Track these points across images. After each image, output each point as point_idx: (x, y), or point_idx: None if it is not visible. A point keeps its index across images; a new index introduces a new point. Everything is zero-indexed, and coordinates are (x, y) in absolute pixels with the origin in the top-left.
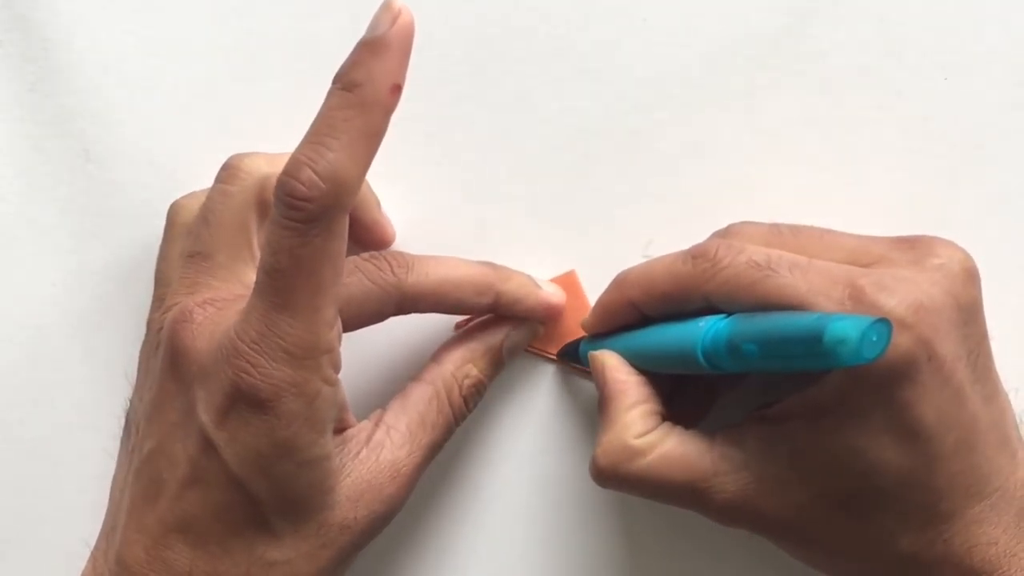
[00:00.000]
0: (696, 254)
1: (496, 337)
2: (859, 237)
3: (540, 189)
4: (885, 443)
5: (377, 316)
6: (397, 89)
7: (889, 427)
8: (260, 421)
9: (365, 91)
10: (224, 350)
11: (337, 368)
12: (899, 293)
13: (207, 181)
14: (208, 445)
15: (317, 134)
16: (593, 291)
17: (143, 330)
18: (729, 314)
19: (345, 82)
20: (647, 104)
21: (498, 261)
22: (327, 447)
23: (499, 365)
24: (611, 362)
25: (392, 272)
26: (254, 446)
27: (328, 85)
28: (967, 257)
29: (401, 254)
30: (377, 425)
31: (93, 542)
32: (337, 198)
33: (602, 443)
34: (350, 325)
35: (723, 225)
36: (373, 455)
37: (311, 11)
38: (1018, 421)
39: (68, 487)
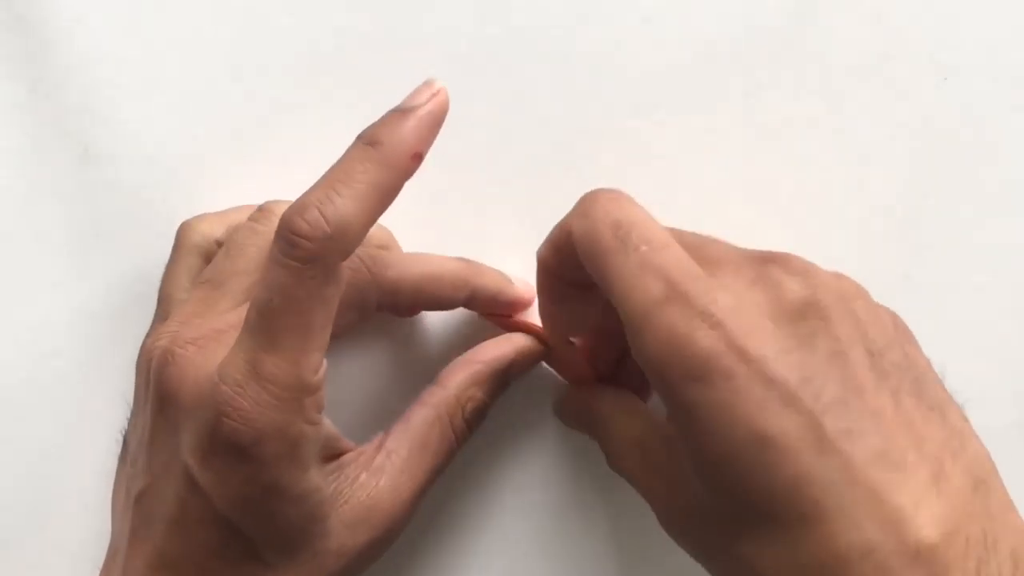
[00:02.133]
0: (582, 200)
1: (502, 361)
2: (719, 249)
3: (540, 189)
4: (694, 445)
5: (356, 314)
6: (418, 157)
7: (696, 429)
8: (243, 465)
9: (386, 150)
10: (207, 393)
11: (320, 408)
12: (711, 294)
13: (207, 181)
14: (194, 485)
15: (331, 180)
16: None
17: (145, 328)
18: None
19: (368, 138)
20: (647, 104)
21: (497, 262)
22: (313, 480)
23: (503, 387)
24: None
25: (368, 270)
26: (239, 488)
27: (328, 85)
28: (815, 271)
29: (377, 254)
30: (378, 450)
31: (90, 544)
32: (338, 243)
33: None
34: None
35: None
36: (373, 480)
37: (311, 11)
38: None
39: (68, 485)
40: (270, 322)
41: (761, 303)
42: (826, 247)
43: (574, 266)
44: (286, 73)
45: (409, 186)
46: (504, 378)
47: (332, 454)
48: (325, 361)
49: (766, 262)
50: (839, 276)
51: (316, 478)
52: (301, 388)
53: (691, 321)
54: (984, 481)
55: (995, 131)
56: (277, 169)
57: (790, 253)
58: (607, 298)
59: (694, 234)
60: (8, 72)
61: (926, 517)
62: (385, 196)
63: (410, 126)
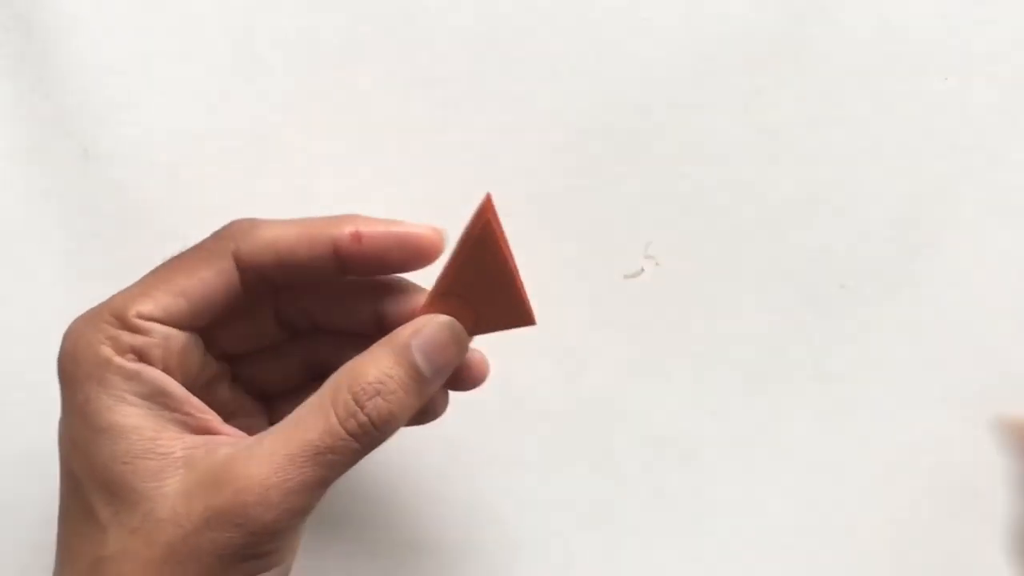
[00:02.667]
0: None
1: (401, 334)
2: None
3: (540, 189)
4: None
5: (225, 299)
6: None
7: None
8: (64, 383)
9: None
10: None
11: (138, 353)
12: None
13: (207, 181)
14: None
15: None
16: (591, 292)
17: None
18: None
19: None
20: (647, 104)
21: None
22: (131, 419)
23: (411, 368)
24: None
25: (225, 247)
26: (64, 410)
27: (328, 85)
28: None
29: (239, 222)
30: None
31: None
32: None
33: None
34: (205, 316)
35: (723, 225)
36: (226, 450)
37: (311, 11)
38: None
39: None
40: (149, 274)
41: None
42: (826, 247)
43: None
44: (286, 73)
45: (406, 185)
46: (407, 353)
47: (203, 428)
48: (161, 325)
49: None
50: None
51: (132, 419)
52: (119, 317)
53: None
54: None
55: (995, 131)
56: (277, 169)
57: None
58: None
59: None
60: (8, 72)
61: None
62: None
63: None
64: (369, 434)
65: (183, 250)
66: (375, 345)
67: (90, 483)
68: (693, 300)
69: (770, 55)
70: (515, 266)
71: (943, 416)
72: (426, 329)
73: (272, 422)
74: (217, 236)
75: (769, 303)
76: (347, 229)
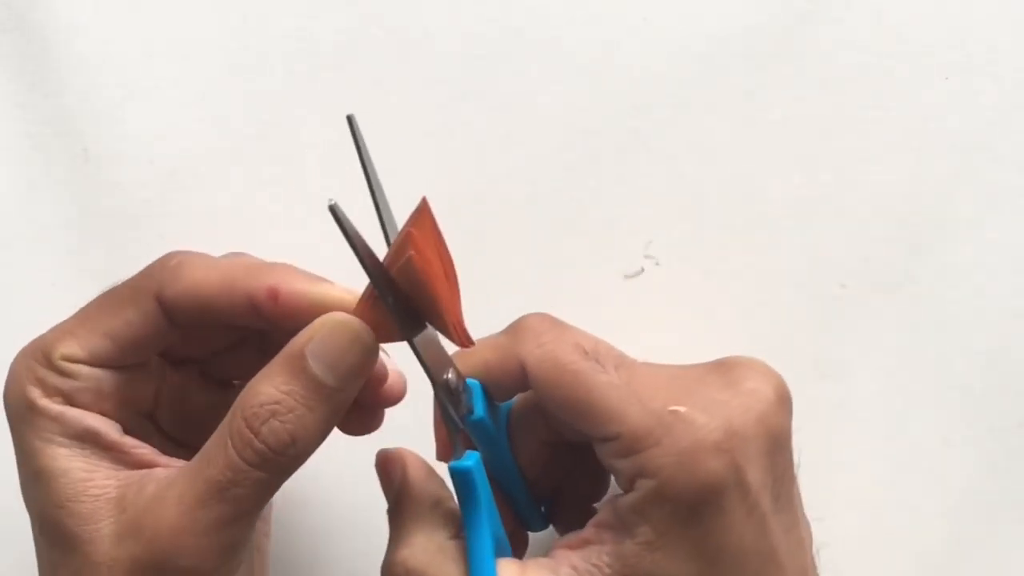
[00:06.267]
0: (519, 327)
1: (295, 343)
2: (673, 365)
3: (540, 189)
4: (689, 569)
5: (154, 337)
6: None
7: (694, 553)
8: (11, 424)
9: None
10: None
11: (63, 397)
12: (716, 416)
13: (207, 181)
14: None
15: None
16: (591, 294)
17: None
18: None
19: None
20: (647, 104)
21: (496, 262)
22: (60, 462)
23: (309, 380)
24: (413, 460)
25: (148, 287)
26: (16, 453)
27: (328, 85)
28: (780, 382)
29: (168, 258)
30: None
31: None
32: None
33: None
34: (133, 355)
35: (723, 225)
36: (152, 488)
37: (311, 11)
38: (815, 551)
39: None
40: (79, 312)
41: (748, 426)
42: (826, 247)
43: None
44: (286, 73)
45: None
46: (300, 363)
47: (139, 462)
48: (87, 367)
49: (726, 371)
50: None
51: (61, 461)
52: (46, 358)
53: (699, 443)
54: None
55: (995, 131)
56: (277, 168)
57: (736, 359)
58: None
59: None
60: (8, 72)
61: None
62: None
63: None
64: (271, 461)
65: (112, 286)
66: (271, 362)
67: (36, 526)
68: (693, 300)
69: (770, 55)
70: (446, 288)
71: (943, 416)
72: (321, 332)
73: None
74: (144, 274)
75: (769, 303)
76: (266, 283)
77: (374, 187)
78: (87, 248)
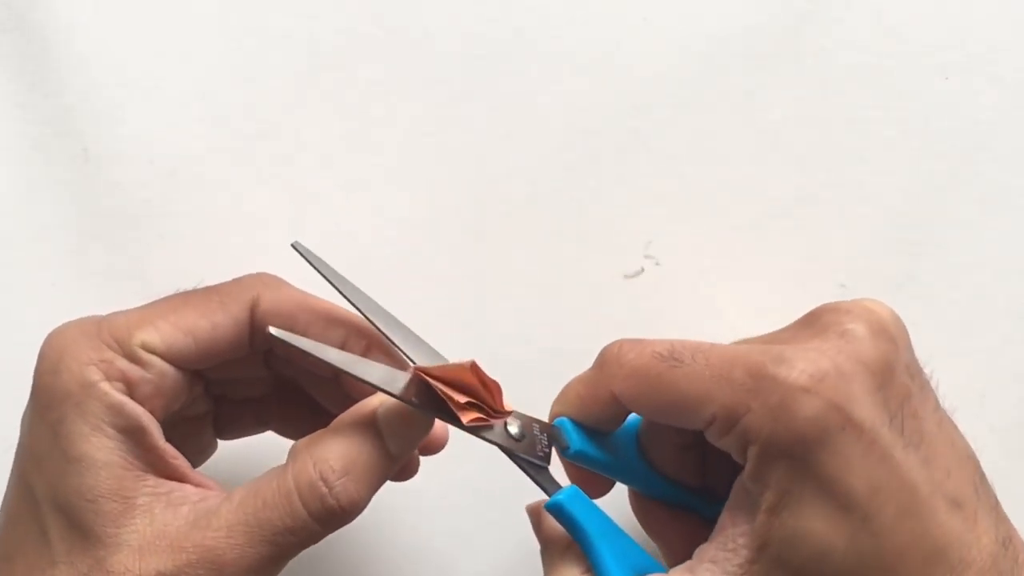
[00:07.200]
0: (602, 357)
1: (366, 407)
2: (765, 335)
3: (540, 189)
4: (824, 522)
5: (231, 347)
6: None
7: (822, 504)
8: (35, 400)
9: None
10: None
11: (129, 384)
12: (799, 364)
13: (207, 181)
14: (19, 447)
15: None
16: (591, 294)
17: None
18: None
19: None
20: (647, 104)
21: (496, 262)
22: (100, 453)
23: (380, 445)
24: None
25: (245, 296)
26: (30, 429)
27: (328, 85)
28: (875, 317)
29: (264, 275)
30: (221, 494)
31: None
32: None
33: None
34: (206, 360)
35: (723, 225)
36: (186, 509)
37: (311, 11)
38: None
39: None
40: (158, 302)
41: (843, 366)
42: (827, 247)
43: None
44: (286, 73)
45: (406, 186)
46: (376, 433)
47: (171, 473)
48: (160, 360)
49: (814, 321)
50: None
51: (104, 453)
52: (120, 342)
53: (786, 393)
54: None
55: (995, 131)
56: (277, 169)
57: (824, 307)
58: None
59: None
60: (8, 72)
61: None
62: None
63: None
64: (336, 517)
65: (188, 289)
66: (340, 419)
67: (49, 507)
68: (693, 300)
69: (770, 55)
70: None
71: None
72: (391, 402)
73: (234, 431)
74: (235, 283)
75: (769, 303)
76: (364, 332)
77: (346, 292)
78: (87, 248)
